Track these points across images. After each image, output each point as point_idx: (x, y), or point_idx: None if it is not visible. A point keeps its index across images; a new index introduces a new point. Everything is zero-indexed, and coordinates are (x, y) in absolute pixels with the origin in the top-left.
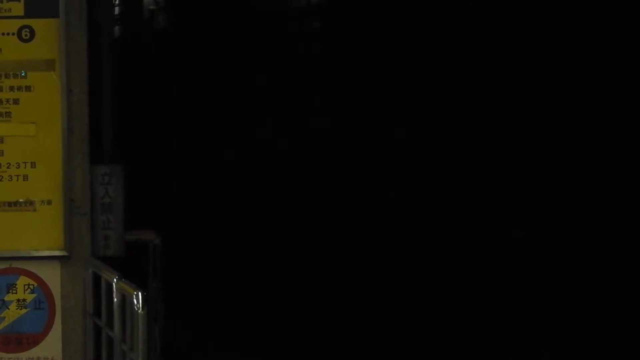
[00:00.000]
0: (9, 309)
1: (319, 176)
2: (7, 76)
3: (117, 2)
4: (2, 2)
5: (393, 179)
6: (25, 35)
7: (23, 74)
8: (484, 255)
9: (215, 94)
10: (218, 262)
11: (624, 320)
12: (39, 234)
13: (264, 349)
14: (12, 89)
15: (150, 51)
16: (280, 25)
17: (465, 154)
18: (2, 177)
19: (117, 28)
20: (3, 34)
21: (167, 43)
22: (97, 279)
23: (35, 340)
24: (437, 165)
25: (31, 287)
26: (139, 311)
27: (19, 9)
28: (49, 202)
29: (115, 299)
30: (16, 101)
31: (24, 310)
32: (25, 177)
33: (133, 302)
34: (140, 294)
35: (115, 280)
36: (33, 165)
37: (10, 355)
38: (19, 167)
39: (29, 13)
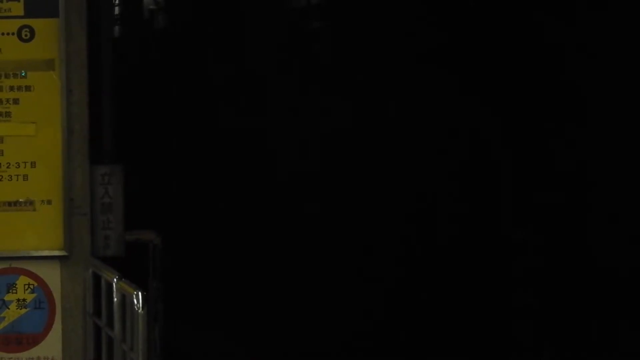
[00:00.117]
0: (9, 308)
1: (322, 177)
2: (7, 76)
3: (117, 2)
4: (1, 1)
5: (395, 181)
6: (25, 35)
7: (23, 74)
8: (485, 256)
9: (216, 93)
10: (219, 262)
11: (624, 322)
12: (39, 234)
13: (264, 349)
14: (12, 88)
15: (150, 51)
16: (282, 25)
17: (466, 155)
18: (2, 176)
19: (117, 28)
20: (3, 33)
21: (167, 43)
22: (97, 278)
23: (35, 340)
24: (440, 167)
25: (31, 287)
26: (139, 311)
27: (18, 8)
28: (49, 202)
29: (115, 299)
30: (16, 101)
31: (24, 310)
32: (25, 177)
33: (133, 302)
34: (140, 293)
35: (115, 280)
36: (33, 165)
37: (11, 355)
38: (19, 166)
39: (28, 13)
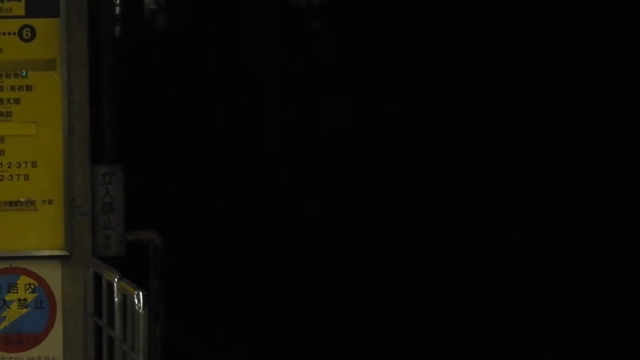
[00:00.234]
0: (9, 308)
1: (324, 177)
2: (8, 76)
3: (117, 2)
4: (3, 1)
5: (394, 181)
6: (26, 35)
7: (24, 74)
8: (485, 256)
9: (216, 93)
10: (219, 262)
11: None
12: (40, 234)
13: (264, 349)
14: (13, 88)
15: (150, 51)
16: (284, 25)
17: (466, 155)
18: (3, 176)
19: (117, 28)
20: (4, 33)
21: (168, 43)
22: (98, 278)
23: (36, 340)
24: (440, 167)
25: (32, 286)
26: (140, 311)
27: (19, 8)
28: (50, 202)
29: (116, 299)
30: (17, 101)
31: (24, 310)
32: (26, 177)
33: (134, 301)
34: (141, 293)
35: (116, 280)
36: (34, 164)
37: (12, 354)
38: (20, 166)
39: (29, 13)
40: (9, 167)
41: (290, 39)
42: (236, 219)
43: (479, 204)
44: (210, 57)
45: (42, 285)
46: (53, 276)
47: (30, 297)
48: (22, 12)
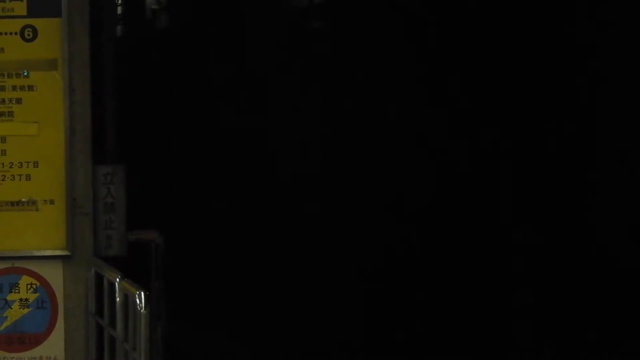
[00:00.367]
0: (11, 308)
1: (322, 177)
2: (9, 75)
3: (119, 1)
4: (4, 1)
5: (394, 181)
6: (28, 35)
7: (25, 74)
8: (486, 255)
9: (218, 93)
10: (220, 262)
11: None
12: (42, 234)
13: (265, 349)
14: (14, 88)
15: (152, 51)
16: (285, 24)
17: (467, 154)
18: (5, 176)
19: (119, 28)
20: (6, 33)
21: (169, 43)
22: (99, 278)
23: (37, 339)
24: (440, 167)
25: (34, 286)
26: (142, 311)
27: (21, 8)
28: (52, 202)
29: (117, 299)
30: (19, 101)
31: (26, 310)
32: (28, 177)
33: (135, 301)
34: (142, 293)
35: (117, 280)
36: (36, 164)
37: (13, 354)
38: (22, 166)
39: (31, 13)
40: (10, 167)
41: (291, 39)
42: (237, 219)
43: (479, 203)
44: (211, 56)
45: (44, 285)
46: (55, 276)
47: (32, 297)
48: (24, 12)
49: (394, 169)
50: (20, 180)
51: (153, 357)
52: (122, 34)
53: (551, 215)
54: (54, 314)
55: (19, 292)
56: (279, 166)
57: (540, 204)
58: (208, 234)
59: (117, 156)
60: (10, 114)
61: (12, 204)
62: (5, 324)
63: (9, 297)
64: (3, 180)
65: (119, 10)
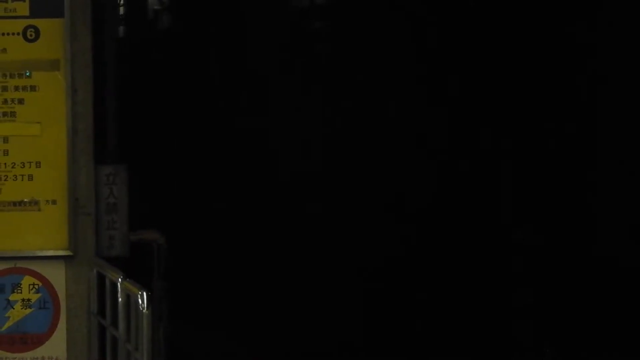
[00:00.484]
0: (13, 308)
1: (324, 178)
2: (12, 76)
3: (121, 2)
4: (7, 2)
5: (394, 181)
6: (30, 35)
7: (28, 74)
8: (486, 255)
9: (220, 94)
10: (220, 262)
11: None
12: (44, 234)
13: (266, 349)
14: (17, 88)
15: (154, 51)
16: (287, 24)
17: (467, 154)
18: (7, 176)
19: (121, 28)
20: (8, 33)
21: (171, 43)
22: (101, 278)
23: (39, 339)
24: (440, 166)
25: (36, 286)
26: (144, 311)
27: (24, 8)
28: (54, 202)
29: (119, 299)
30: (21, 101)
31: (28, 310)
32: (30, 177)
33: (138, 302)
34: (144, 294)
35: (119, 280)
36: (38, 165)
37: (15, 354)
38: (24, 166)
39: (34, 13)
40: (13, 167)
41: (293, 39)
42: (238, 219)
43: (479, 203)
44: (212, 56)
45: (46, 286)
46: (57, 276)
47: (34, 297)
48: (27, 13)
49: (394, 169)
50: (22, 180)
51: (155, 358)
52: (125, 34)
53: (551, 215)
54: (56, 314)
55: (21, 292)
56: (279, 166)
57: (540, 204)
58: (208, 234)
59: (120, 156)
60: (13, 114)
61: (15, 204)
62: (7, 324)
63: (11, 298)
64: (5, 180)
65: (122, 10)
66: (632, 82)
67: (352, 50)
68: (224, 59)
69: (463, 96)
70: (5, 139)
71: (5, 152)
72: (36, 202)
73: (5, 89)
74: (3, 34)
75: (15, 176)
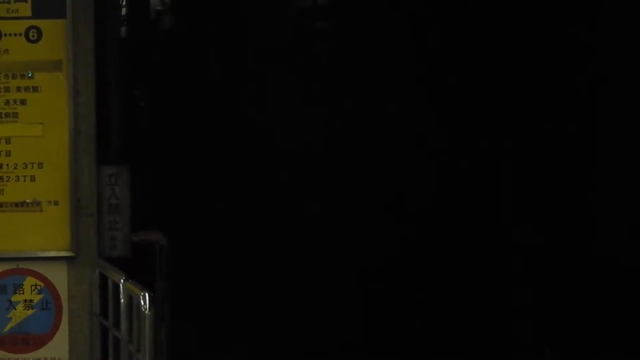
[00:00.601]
0: (15, 309)
1: (330, 178)
2: (14, 77)
3: (123, 2)
4: (9, 2)
5: (395, 181)
6: (33, 36)
7: (30, 75)
8: (486, 255)
9: (223, 94)
10: (221, 263)
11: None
12: (46, 235)
13: (266, 349)
14: (19, 89)
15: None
16: (289, 25)
17: (467, 154)
18: (9, 177)
19: (123, 28)
20: (10, 34)
21: (173, 44)
22: (103, 279)
23: (42, 340)
24: (441, 166)
25: (38, 287)
26: (146, 312)
27: (26, 9)
28: (56, 203)
29: (122, 300)
30: (23, 102)
31: (30, 311)
32: (32, 178)
33: (140, 302)
34: (147, 294)
35: (122, 281)
36: (40, 165)
37: (18, 355)
38: (26, 167)
39: (36, 14)
40: (15, 168)
41: (294, 39)
42: (238, 220)
43: (479, 203)
44: (213, 57)
45: (48, 286)
46: (59, 277)
47: (36, 298)
48: (29, 13)
49: (394, 168)
50: (24, 181)
51: (157, 358)
52: (127, 35)
53: (551, 215)
54: (58, 315)
55: (23, 293)
56: (280, 167)
57: (540, 204)
58: (209, 235)
59: (122, 157)
60: (15, 115)
61: (17, 205)
62: (9, 325)
63: (13, 298)
64: (7, 181)
65: (124, 11)
66: (632, 82)
67: (352, 50)
68: (225, 59)
69: (463, 96)
70: (8, 140)
71: (8, 153)
72: (38, 203)
73: (7, 89)
74: (5, 35)
75: (18, 177)
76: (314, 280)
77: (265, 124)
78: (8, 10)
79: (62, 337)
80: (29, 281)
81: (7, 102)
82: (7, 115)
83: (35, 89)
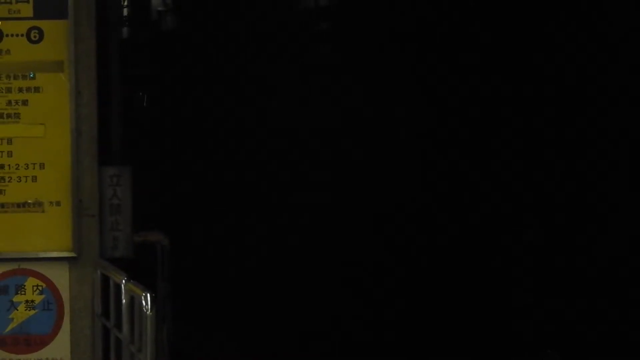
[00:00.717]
0: (17, 310)
1: (331, 178)
2: (16, 77)
3: (125, 3)
4: (11, 3)
5: (395, 181)
6: (34, 37)
7: (32, 75)
8: (489, 256)
9: (224, 95)
10: (221, 264)
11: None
12: (48, 235)
13: (271, 351)
14: (21, 90)
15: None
16: (291, 26)
17: (468, 154)
18: (11, 178)
19: (125, 29)
20: (12, 35)
21: (174, 44)
22: (105, 280)
23: (43, 341)
24: (441, 166)
25: (40, 288)
26: (148, 312)
27: (28, 10)
28: (58, 204)
29: (123, 300)
30: (25, 102)
31: (32, 312)
32: (34, 178)
33: (142, 303)
34: (148, 295)
35: (123, 281)
36: (42, 166)
37: (19, 356)
38: (28, 168)
39: (38, 14)
40: (17, 168)
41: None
42: (239, 222)
43: (480, 204)
44: (218, 58)
45: (50, 287)
46: (61, 278)
47: (38, 298)
48: (31, 14)
49: (400, 168)
50: (26, 181)
51: (159, 359)
52: (129, 36)
53: (552, 215)
54: (59, 316)
55: (24, 294)
56: (280, 169)
57: (540, 204)
58: (210, 236)
59: (124, 158)
60: (17, 115)
61: (18, 205)
62: (11, 326)
63: (15, 299)
64: (9, 181)
65: (125, 12)
66: (632, 82)
67: (351, 50)
68: (226, 59)
69: (464, 96)
70: (9, 141)
71: (9, 154)
72: (40, 204)
73: (9, 90)
74: (7, 35)
75: (19, 177)
76: (314, 282)
77: (265, 124)
78: (10, 10)
79: (63, 338)
80: (30, 282)
81: (9, 103)
82: (8, 115)
83: (37, 89)
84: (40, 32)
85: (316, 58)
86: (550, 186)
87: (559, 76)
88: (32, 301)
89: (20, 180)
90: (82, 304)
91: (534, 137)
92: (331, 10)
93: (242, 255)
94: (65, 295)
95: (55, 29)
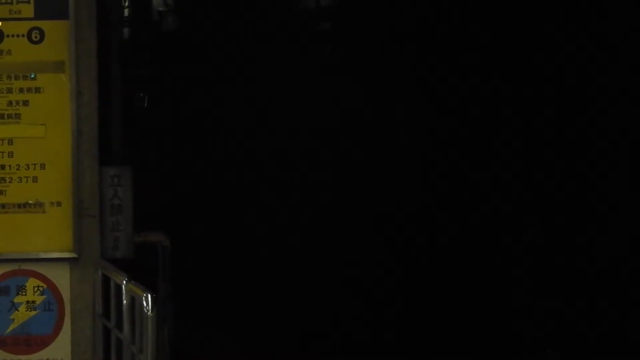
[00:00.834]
0: (18, 310)
1: (331, 178)
2: (16, 78)
3: (126, 4)
4: (11, 3)
5: (396, 181)
6: (35, 37)
7: (32, 76)
8: (489, 256)
9: (224, 95)
10: (222, 265)
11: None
12: (48, 236)
13: (272, 350)
14: (21, 90)
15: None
16: (292, 27)
17: (468, 154)
18: (12, 178)
19: (126, 30)
20: (13, 35)
21: (175, 44)
22: (106, 280)
23: (44, 341)
24: (442, 166)
25: (40, 288)
26: (149, 313)
27: (28, 10)
28: (59, 204)
29: (124, 301)
30: (26, 103)
31: (33, 312)
32: (35, 179)
33: (142, 304)
34: (149, 295)
35: (124, 282)
36: (42, 166)
37: (20, 356)
38: (29, 168)
39: (38, 15)
40: (17, 169)
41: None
42: (239, 222)
43: (480, 204)
44: (219, 58)
45: (51, 288)
46: (61, 278)
47: (39, 299)
48: (31, 14)
49: (400, 168)
50: (27, 182)
51: (160, 359)
52: (129, 36)
53: (552, 215)
54: (60, 316)
55: (25, 295)
56: (280, 169)
57: (540, 204)
58: (211, 236)
59: (124, 158)
60: (17, 116)
61: (19, 206)
62: (12, 326)
63: (16, 300)
64: (10, 182)
65: (126, 12)
66: (632, 82)
67: (351, 50)
68: (226, 59)
69: (465, 97)
70: (10, 141)
71: (10, 154)
72: (41, 204)
73: (10, 90)
74: (8, 36)
75: (20, 178)
76: (314, 283)
77: (265, 125)
78: (10, 11)
79: (64, 338)
80: (31, 282)
81: (10, 103)
82: (9, 116)
83: (37, 90)
84: (41, 33)
85: (316, 58)
86: (550, 186)
87: (559, 76)
88: (33, 302)
89: (21, 181)
90: (82, 304)
91: (534, 137)
92: (331, 10)
93: (243, 256)
94: (66, 295)
95: (56, 30)
